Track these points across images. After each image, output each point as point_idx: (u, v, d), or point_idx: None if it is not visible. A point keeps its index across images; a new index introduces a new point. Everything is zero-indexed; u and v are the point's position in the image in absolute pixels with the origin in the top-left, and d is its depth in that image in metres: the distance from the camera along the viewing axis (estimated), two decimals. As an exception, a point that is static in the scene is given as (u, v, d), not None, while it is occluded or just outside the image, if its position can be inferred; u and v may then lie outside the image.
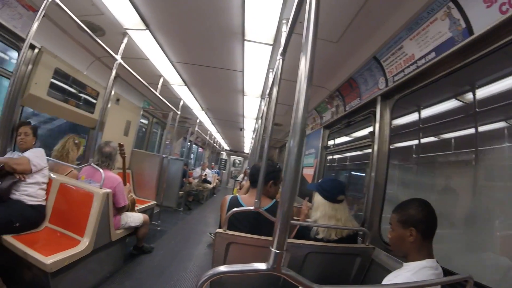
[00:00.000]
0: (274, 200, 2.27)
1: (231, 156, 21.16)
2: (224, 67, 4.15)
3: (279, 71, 2.15)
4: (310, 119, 5.29)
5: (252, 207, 2.02)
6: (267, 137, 2.34)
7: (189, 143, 10.99)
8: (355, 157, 4.35)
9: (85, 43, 3.79)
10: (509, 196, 1.87)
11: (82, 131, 4.94)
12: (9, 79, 2.93)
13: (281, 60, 2.12)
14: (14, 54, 3.39)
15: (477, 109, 2.13)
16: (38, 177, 2.87)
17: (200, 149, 15.49)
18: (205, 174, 11.13)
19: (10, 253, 2.40)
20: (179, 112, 6.11)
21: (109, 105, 4.61)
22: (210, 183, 11.49)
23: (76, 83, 3.95)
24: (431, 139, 2.73)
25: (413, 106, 2.78)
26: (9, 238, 2.47)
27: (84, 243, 2.68)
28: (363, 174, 4.02)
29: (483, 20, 1.64)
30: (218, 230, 1.96)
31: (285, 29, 2.47)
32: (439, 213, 1.42)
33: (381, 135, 2.78)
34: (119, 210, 3.29)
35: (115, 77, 3.54)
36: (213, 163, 16.54)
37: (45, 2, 2.31)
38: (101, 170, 3.08)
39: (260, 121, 4.90)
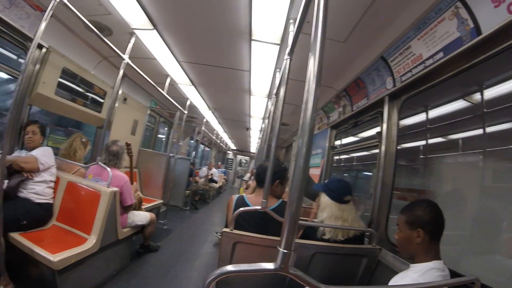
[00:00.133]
0: (281, 200, 2.26)
1: (238, 156, 21.18)
2: (231, 66, 4.15)
3: (287, 71, 2.15)
4: (317, 119, 5.27)
5: (258, 207, 2.02)
6: (274, 136, 2.33)
7: (195, 142, 11.03)
8: (362, 157, 4.32)
9: (93, 43, 3.81)
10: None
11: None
12: (17, 78, 2.95)
13: (288, 60, 2.11)
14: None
15: (484, 110, 2.11)
16: (46, 176, 2.90)
17: (205, 147, 15.47)
18: (212, 174, 11.15)
19: (17, 250, 2.42)
20: (186, 112, 6.12)
21: (116, 105, 4.64)
22: (216, 182, 11.52)
23: (84, 83, 3.97)
24: (439, 139, 2.70)
25: (420, 107, 2.76)
26: (16, 236, 2.50)
27: (91, 241, 2.71)
28: (370, 174, 3.99)
29: (491, 20, 1.62)
30: (225, 229, 1.96)
31: (292, 29, 2.46)
32: (446, 214, 1.41)
33: (388, 135, 2.76)
34: (126, 209, 3.32)
35: (123, 77, 3.55)
36: (219, 163, 16.57)
37: (52, 2, 2.32)
38: (108, 169, 3.10)
39: (266, 120, 4.90)
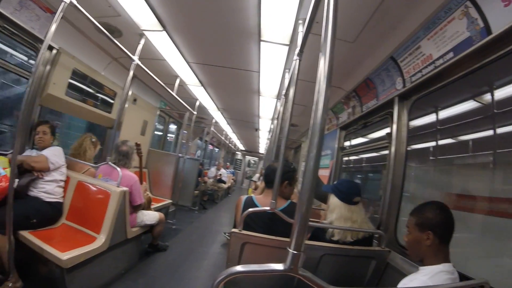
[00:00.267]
0: (289, 201, 2.25)
1: (246, 157, 21.19)
2: (240, 67, 4.15)
3: (296, 72, 2.14)
4: (326, 119, 5.23)
5: (267, 208, 2.02)
6: (284, 137, 2.33)
7: (204, 143, 11.07)
8: (372, 158, 4.29)
9: (103, 44, 3.85)
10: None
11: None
12: (28, 79, 2.99)
13: (297, 61, 2.11)
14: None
15: (495, 110, 2.07)
16: (56, 175, 2.94)
17: (210, 146, 15.48)
18: (220, 174, 11.18)
19: (27, 248, 2.46)
20: (195, 112, 6.15)
21: (126, 105, 4.67)
22: (225, 183, 11.55)
23: (94, 84, 4.02)
24: (449, 140, 2.66)
25: (430, 107, 2.72)
26: (26, 234, 2.53)
27: (100, 240, 2.73)
28: (380, 176, 3.96)
29: (501, 19, 1.59)
30: (234, 230, 1.96)
31: (301, 29, 2.45)
32: (456, 217, 1.39)
33: (398, 136, 2.73)
34: (135, 208, 3.34)
35: (132, 78, 3.58)
36: (228, 163, 16.60)
37: (62, 4, 2.35)
38: (118, 169, 3.13)
39: (276, 121, 4.89)
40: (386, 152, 3.02)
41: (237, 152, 20.16)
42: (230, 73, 4.42)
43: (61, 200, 2.99)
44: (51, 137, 3.04)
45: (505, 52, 1.67)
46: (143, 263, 3.68)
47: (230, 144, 14.89)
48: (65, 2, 2.36)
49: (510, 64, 1.77)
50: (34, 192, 2.79)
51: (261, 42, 3.17)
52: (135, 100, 5.24)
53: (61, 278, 2.37)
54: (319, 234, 2.12)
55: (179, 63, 4.29)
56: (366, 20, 2.44)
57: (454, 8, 1.89)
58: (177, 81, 4.98)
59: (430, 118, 2.78)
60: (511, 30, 1.55)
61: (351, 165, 4.86)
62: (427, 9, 2.09)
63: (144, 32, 3.38)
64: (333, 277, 2.06)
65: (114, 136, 3.75)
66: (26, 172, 2.76)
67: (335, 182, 2.32)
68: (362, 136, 4.31)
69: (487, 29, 1.68)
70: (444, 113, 2.62)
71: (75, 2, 2.44)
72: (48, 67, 3.22)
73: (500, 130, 2.08)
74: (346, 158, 4.71)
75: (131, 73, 3.55)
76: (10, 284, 2.21)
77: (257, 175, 8.81)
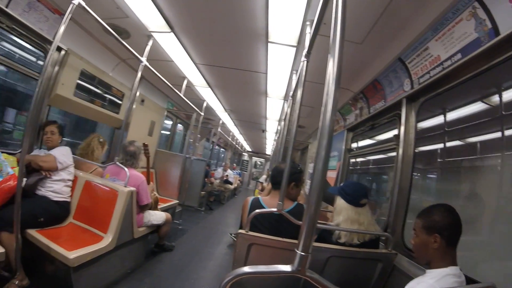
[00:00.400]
0: (296, 202, 2.25)
1: (253, 158, 21.19)
2: (248, 69, 4.16)
3: (304, 73, 2.14)
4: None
5: (274, 209, 2.02)
6: (291, 139, 2.33)
7: (211, 144, 11.10)
8: (379, 160, 4.26)
9: (111, 45, 3.88)
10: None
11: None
12: (37, 80, 3.03)
13: (305, 62, 2.11)
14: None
15: (503, 112, 2.05)
16: (64, 175, 2.97)
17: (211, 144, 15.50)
18: (227, 175, 11.20)
19: (34, 246, 2.48)
20: (202, 113, 6.17)
21: (134, 106, 4.70)
22: (231, 184, 11.56)
23: (102, 84, 4.05)
24: (457, 142, 2.64)
25: (438, 109, 2.70)
26: (33, 232, 2.55)
27: (107, 240, 2.75)
28: (387, 178, 3.94)
29: (510, 20, 1.57)
30: (240, 230, 1.97)
31: (309, 31, 2.45)
32: (464, 220, 1.38)
33: (406, 138, 2.71)
34: (142, 208, 3.36)
35: (140, 79, 3.60)
36: (234, 164, 16.62)
37: (71, 5, 2.37)
38: (126, 169, 3.15)
39: (282, 122, 4.89)
40: (393, 154, 2.99)
41: (243, 153, 20.17)
42: (238, 74, 4.43)
43: (68, 200, 3.01)
44: (59, 137, 3.07)
45: (513, 53, 1.65)
46: (149, 262, 3.70)
47: (236, 145, 14.91)
48: (74, 4, 2.38)
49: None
50: (42, 191, 2.82)
51: (269, 44, 3.17)
52: (142, 100, 5.28)
53: (68, 277, 2.39)
54: (325, 236, 2.11)
55: (187, 64, 4.31)
56: (374, 21, 2.43)
57: (462, 9, 1.87)
58: (185, 82, 5.00)
59: (438, 120, 2.75)
60: (520, 31, 1.53)
61: (358, 167, 4.84)
62: (435, 10, 2.07)
63: (152, 33, 3.40)
64: (339, 279, 2.05)
65: (122, 136, 3.77)
66: (34, 172, 2.79)
67: (341, 184, 2.31)
68: (370, 138, 4.28)
69: (495, 30, 1.66)
70: (452, 115, 2.60)
71: (84, 4, 2.46)
72: (56, 68, 3.26)
73: (508, 132, 2.05)
74: (353, 160, 4.68)
75: (139, 74, 3.57)
76: (17, 282, 2.23)
77: (264, 176, 8.81)
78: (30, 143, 3.02)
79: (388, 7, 2.21)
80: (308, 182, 6.06)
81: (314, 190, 0.88)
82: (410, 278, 1.62)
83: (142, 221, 3.37)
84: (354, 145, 4.62)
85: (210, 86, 5.38)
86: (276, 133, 8.17)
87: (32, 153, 2.96)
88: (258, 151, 19.42)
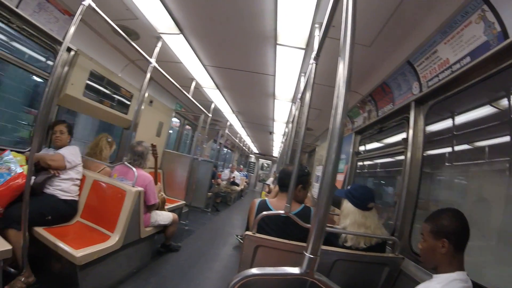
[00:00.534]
0: (303, 204, 2.24)
1: (260, 160, 21.18)
2: (256, 71, 4.16)
3: (312, 75, 2.14)
4: (342, 124, 5.18)
5: (281, 211, 2.02)
6: (299, 141, 2.32)
7: (218, 145, 11.12)
8: (386, 164, 4.23)
9: (120, 47, 3.91)
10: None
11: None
12: (46, 80, 3.06)
13: (314, 65, 2.11)
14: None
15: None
16: (72, 174, 3.00)
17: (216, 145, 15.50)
18: (234, 177, 11.20)
19: (41, 244, 2.50)
20: (210, 115, 6.19)
21: (142, 107, 4.73)
22: (238, 185, 11.56)
23: (111, 85, 4.08)
24: (466, 146, 2.61)
25: (447, 112, 2.67)
26: (41, 230, 2.58)
27: (114, 239, 2.77)
28: (394, 181, 3.90)
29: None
30: (247, 232, 1.97)
31: (318, 33, 2.45)
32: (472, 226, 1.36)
33: (414, 141, 2.69)
34: (149, 208, 3.38)
35: (149, 80, 3.62)
36: (241, 166, 16.62)
37: (81, 7, 2.39)
38: (134, 169, 3.17)
39: (290, 125, 4.88)
40: (401, 157, 2.97)
41: (250, 155, 20.18)
42: (246, 76, 4.43)
43: (76, 198, 3.04)
44: (68, 136, 3.11)
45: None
46: (155, 262, 3.71)
47: (244, 147, 14.91)
48: (84, 5, 2.40)
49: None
50: (50, 190, 2.85)
51: (277, 46, 3.17)
52: (151, 101, 5.31)
53: (74, 275, 2.41)
54: (332, 239, 2.10)
55: (195, 66, 4.33)
56: (382, 24, 2.42)
57: (471, 12, 1.86)
58: (193, 84, 5.01)
59: (447, 123, 2.73)
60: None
61: (365, 170, 4.81)
62: (443, 13, 2.06)
63: (161, 35, 3.43)
64: (346, 283, 2.04)
65: (130, 136, 3.80)
66: (42, 170, 2.82)
67: (348, 187, 2.30)
68: (378, 141, 4.26)
69: (504, 33, 1.65)
70: (461, 118, 2.57)
71: (94, 5, 2.48)
72: (66, 68, 3.29)
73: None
74: (360, 163, 4.66)
75: (148, 75, 3.60)
76: (23, 279, 2.25)
77: (271, 178, 8.80)
78: (39, 142, 3.06)
79: (397, 9, 2.20)
80: (315, 185, 6.05)
81: (323, 193, 0.88)
82: (416, 282, 1.61)
83: (149, 221, 3.39)
84: (361, 148, 4.60)
85: (218, 88, 5.39)
86: (284, 135, 8.16)
87: (40, 152, 3.00)
88: (265, 153, 19.42)
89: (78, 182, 3.08)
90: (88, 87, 3.61)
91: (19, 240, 2.22)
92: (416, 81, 2.66)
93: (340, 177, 4.74)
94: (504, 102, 2.14)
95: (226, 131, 8.96)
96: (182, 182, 5.79)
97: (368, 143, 4.49)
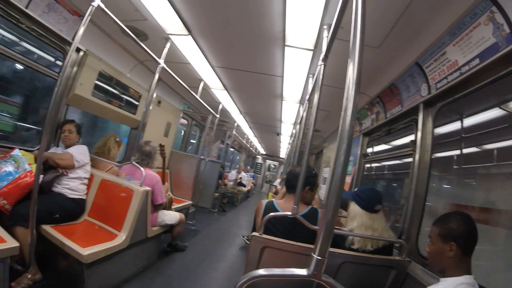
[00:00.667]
0: (310, 206, 2.24)
1: (267, 161, 21.16)
2: (264, 72, 4.16)
3: (321, 77, 2.13)
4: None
5: (288, 213, 2.02)
6: (307, 143, 2.31)
7: (225, 146, 11.14)
8: (394, 166, 4.20)
9: (129, 47, 3.94)
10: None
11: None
12: (56, 79, 3.09)
13: (322, 66, 2.10)
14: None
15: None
16: (80, 173, 3.03)
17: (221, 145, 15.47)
18: (240, 177, 11.21)
19: (48, 242, 2.54)
20: (218, 116, 6.21)
21: (150, 107, 4.76)
22: (245, 186, 11.57)
23: (120, 85, 4.11)
24: (475, 149, 2.58)
25: (456, 114, 2.64)
26: (48, 228, 2.61)
27: (121, 238, 2.79)
28: (402, 184, 3.87)
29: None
30: (254, 233, 1.97)
31: (326, 35, 2.44)
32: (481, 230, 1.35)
33: (423, 144, 2.67)
34: (157, 208, 3.40)
35: (157, 80, 3.64)
36: (248, 167, 16.63)
37: (90, 7, 2.41)
38: (141, 169, 3.19)
39: (298, 126, 4.87)
40: (410, 160, 2.95)
41: (257, 156, 20.17)
42: (254, 77, 4.43)
43: (84, 197, 3.07)
44: (76, 136, 3.14)
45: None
46: (162, 262, 3.73)
47: (251, 148, 14.91)
48: (93, 6, 2.43)
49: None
50: (58, 188, 2.88)
51: (286, 47, 3.16)
52: (159, 102, 5.34)
53: (80, 273, 2.43)
54: (338, 241, 2.09)
55: (204, 67, 4.34)
56: (391, 25, 2.40)
57: (479, 13, 1.84)
58: (201, 85, 5.03)
59: (456, 126, 2.70)
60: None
61: (373, 172, 4.78)
62: (452, 14, 2.04)
63: (170, 36, 3.44)
64: (352, 285, 2.03)
65: (138, 136, 3.83)
66: (51, 169, 2.86)
67: (355, 189, 2.29)
68: (385, 143, 4.23)
69: None
70: (470, 121, 2.54)
71: (103, 6, 2.50)
72: (75, 69, 3.31)
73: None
74: (368, 165, 4.63)
75: (157, 76, 3.62)
76: (30, 276, 2.27)
77: (279, 180, 8.79)
78: (48, 140, 3.10)
79: (405, 11, 2.19)
80: (322, 187, 6.02)
81: (332, 194, 0.88)
82: (423, 286, 1.60)
83: (156, 220, 3.41)
84: (369, 150, 4.57)
85: (226, 89, 5.40)
86: (291, 136, 8.15)
87: (49, 151, 3.03)
88: (272, 154, 19.38)
89: (86, 181, 3.11)
90: (96, 87, 3.64)
91: (26, 238, 2.25)
92: (424, 83, 2.64)
93: (347, 179, 4.71)
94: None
95: (234, 132, 8.97)
96: (189, 182, 5.82)
97: (376, 145, 4.47)
